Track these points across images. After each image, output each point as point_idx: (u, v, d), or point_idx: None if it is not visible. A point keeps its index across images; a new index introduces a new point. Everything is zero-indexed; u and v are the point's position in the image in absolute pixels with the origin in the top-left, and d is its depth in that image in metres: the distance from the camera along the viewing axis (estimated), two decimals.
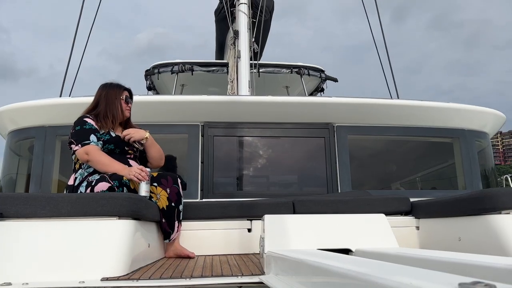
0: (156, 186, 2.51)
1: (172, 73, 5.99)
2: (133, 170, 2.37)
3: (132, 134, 2.70)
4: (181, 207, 2.62)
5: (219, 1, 6.12)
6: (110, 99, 2.76)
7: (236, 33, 5.19)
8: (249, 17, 5.37)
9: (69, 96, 4.23)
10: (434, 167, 4.20)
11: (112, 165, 2.47)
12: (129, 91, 2.91)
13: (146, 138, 2.76)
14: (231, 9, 5.52)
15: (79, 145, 2.52)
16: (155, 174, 2.57)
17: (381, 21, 5.62)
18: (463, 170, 3.98)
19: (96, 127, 2.62)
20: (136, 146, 2.78)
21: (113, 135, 2.66)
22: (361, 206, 3.00)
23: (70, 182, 2.58)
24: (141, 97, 3.60)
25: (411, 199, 3.19)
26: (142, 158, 2.88)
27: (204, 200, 3.56)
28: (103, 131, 2.63)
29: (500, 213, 2.26)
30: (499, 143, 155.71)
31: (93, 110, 2.75)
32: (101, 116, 2.69)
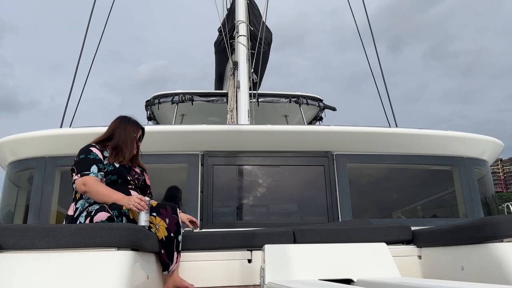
0: (155, 216, 2.49)
1: (172, 103, 6.06)
2: (133, 200, 2.37)
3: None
4: (180, 237, 2.59)
5: (218, 33, 6.27)
6: (128, 135, 2.78)
7: (236, 64, 5.29)
8: (248, 49, 5.49)
9: (70, 127, 4.26)
10: (434, 195, 4.18)
11: (111, 195, 2.46)
12: (143, 130, 2.95)
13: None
14: (231, 41, 5.64)
15: (79, 175, 2.52)
16: (154, 204, 2.55)
17: (378, 51, 5.73)
18: (464, 198, 3.97)
19: (101, 157, 2.63)
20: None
21: (117, 165, 2.66)
22: (362, 235, 2.97)
23: (70, 212, 2.56)
24: None
25: (413, 228, 3.16)
26: (144, 189, 2.88)
27: (203, 230, 3.53)
28: (107, 162, 2.64)
29: (502, 241, 2.24)
30: (499, 170, 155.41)
31: (107, 140, 2.76)
32: (114, 149, 2.70)
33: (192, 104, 6.03)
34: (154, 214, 2.49)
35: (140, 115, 6.87)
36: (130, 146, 2.76)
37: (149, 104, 6.45)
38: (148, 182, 2.95)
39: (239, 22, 5.51)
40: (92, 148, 2.64)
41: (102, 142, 2.74)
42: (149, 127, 3.96)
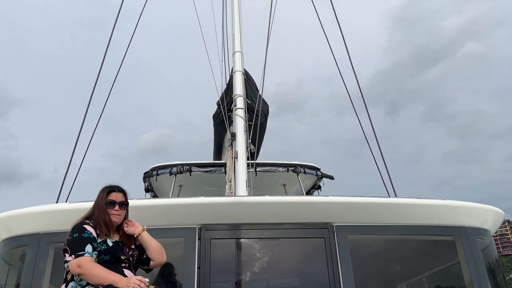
0: None
1: (170, 174, 6.08)
2: (132, 281, 2.27)
3: (125, 228, 2.72)
4: None
5: (217, 106, 6.48)
6: (100, 204, 2.68)
7: (233, 136, 5.39)
8: (246, 121, 5.63)
9: (66, 201, 4.23)
10: (439, 267, 4.05)
11: (108, 277, 2.36)
12: (121, 191, 2.77)
13: (139, 234, 2.72)
14: (229, 114, 5.81)
15: (73, 255, 2.42)
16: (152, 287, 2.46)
17: (376, 116, 5.93)
18: (469, 269, 3.84)
19: (95, 235, 2.54)
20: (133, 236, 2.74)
21: (110, 244, 2.58)
22: None
23: None
24: (135, 201, 3.59)
25: None
26: (141, 261, 2.78)
27: None
28: (100, 240, 2.57)
29: None
30: (508, 232, 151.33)
31: (91, 216, 2.67)
32: (97, 223, 2.62)
33: (190, 174, 6.04)
34: None
35: (141, 186, 6.85)
36: (104, 216, 2.62)
37: (147, 176, 6.47)
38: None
39: (237, 96, 5.71)
40: (86, 226, 2.55)
41: (89, 219, 2.65)
42: (143, 201, 3.91)
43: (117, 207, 2.70)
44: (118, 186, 2.79)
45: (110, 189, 2.74)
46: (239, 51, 6.09)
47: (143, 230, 2.76)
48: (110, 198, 2.70)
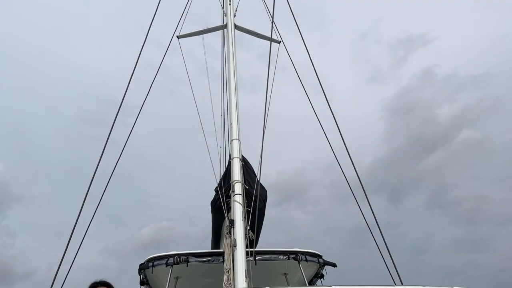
0: None
1: (166, 265, 5.84)
2: None
3: None
4: None
5: (215, 192, 6.46)
6: None
7: (232, 222, 5.29)
8: (244, 207, 5.56)
9: None
10: None
11: None
12: (104, 285, 2.76)
13: None
14: (227, 200, 5.77)
15: None
16: None
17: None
18: None
19: None
20: None
21: None
22: None
23: None
24: None
25: None
26: None
27: None
28: None
29: None
30: None
31: None
32: None
33: (187, 265, 5.80)
34: None
35: (136, 281, 6.52)
36: None
37: (142, 267, 6.21)
38: None
39: (235, 181, 5.73)
40: None
41: None
42: None
43: None
44: (102, 281, 2.77)
45: (94, 284, 2.75)
46: (236, 139, 6.25)
47: None
48: None
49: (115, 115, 6.36)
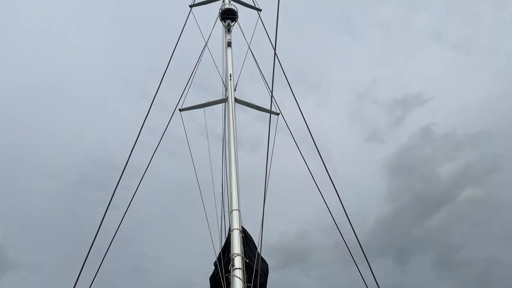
0: None
1: None
2: None
3: None
4: None
5: (214, 267, 6.22)
6: None
7: None
8: (244, 282, 5.34)
9: None
10: None
11: None
12: None
13: None
14: (226, 275, 5.54)
15: None
16: None
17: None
18: None
19: None
20: None
21: None
22: None
23: None
24: None
25: None
26: None
27: None
28: None
29: None
30: None
31: None
32: None
33: None
34: None
35: None
36: None
37: None
38: None
39: (235, 255, 5.55)
40: None
41: None
42: None
43: None
44: None
45: None
46: (236, 209, 6.16)
47: None
48: None
49: (117, 180, 6.36)
